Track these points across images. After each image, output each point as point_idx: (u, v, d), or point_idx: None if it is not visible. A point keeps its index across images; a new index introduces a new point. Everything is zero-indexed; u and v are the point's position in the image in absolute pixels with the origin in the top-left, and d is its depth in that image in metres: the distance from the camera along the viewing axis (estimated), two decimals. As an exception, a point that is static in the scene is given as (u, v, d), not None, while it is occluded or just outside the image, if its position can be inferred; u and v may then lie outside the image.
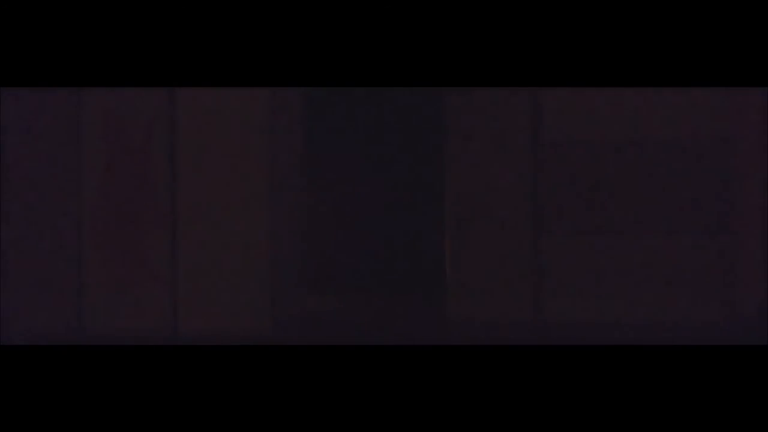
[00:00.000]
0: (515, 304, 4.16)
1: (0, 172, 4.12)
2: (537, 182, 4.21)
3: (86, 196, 4.23)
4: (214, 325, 4.21)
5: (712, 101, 4.09)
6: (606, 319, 4.08)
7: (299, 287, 4.66)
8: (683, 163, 4.13)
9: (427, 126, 5.39)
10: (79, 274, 4.28)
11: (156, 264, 4.29)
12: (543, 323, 4.15)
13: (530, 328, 4.09)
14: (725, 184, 4.10)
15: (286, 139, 4.51)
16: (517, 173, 4.24)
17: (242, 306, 4.26)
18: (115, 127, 4.23)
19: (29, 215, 4.24)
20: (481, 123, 4.22)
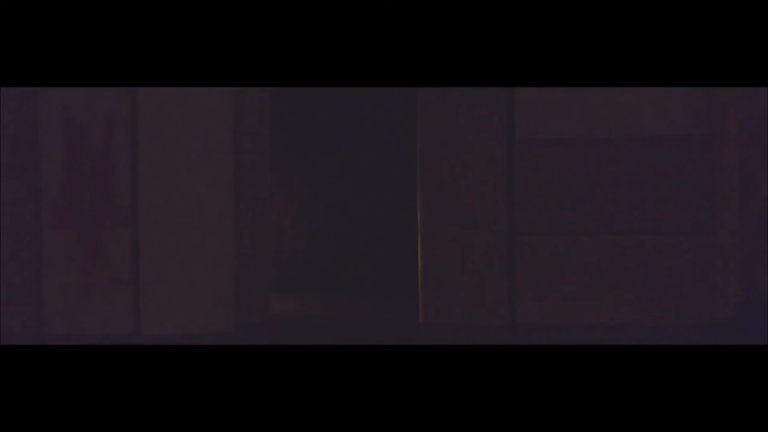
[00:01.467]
0: (489, 306, 4.03)
1: None
2: (513, 181, 4.09)
3: (45, 198, 4.11)
4: (178, 328, 4.08)
5: (690, 100, 3.98)
6: (582, 322, 3.99)
7: (264, 289, 4.48)
8: (661, 161, 4.03)
9: (399, 125, 5.38)
10: (39, 277, 4.16)
11: (117, 266, 4.15)
12: (517, 325, 4.05)
13: (504, 330, 3.98)
14: (702, 184, 3.98)
15: (251, 140, 4.34)
16: (492, 172, 4.12)
17: (206, 308, 4.12)
18: (74, 128, 4.11)
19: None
20: (453, 122, 4.08)
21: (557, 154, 4.03)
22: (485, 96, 4.03)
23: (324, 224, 5.47)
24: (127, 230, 4.12)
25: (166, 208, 4.09)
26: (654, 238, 4.01)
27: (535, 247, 4.06)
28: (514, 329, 3.93)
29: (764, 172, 3.74)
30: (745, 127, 3.89)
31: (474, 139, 4.06)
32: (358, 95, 5.42)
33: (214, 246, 4.13)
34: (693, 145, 4.00)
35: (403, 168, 5.41)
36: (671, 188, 4.01)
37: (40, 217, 4.13)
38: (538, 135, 4.06)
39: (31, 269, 4.14)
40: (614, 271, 3.98)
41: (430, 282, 4.06)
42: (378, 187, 5.45)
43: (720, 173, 3.94)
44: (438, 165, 4.06)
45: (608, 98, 4.00)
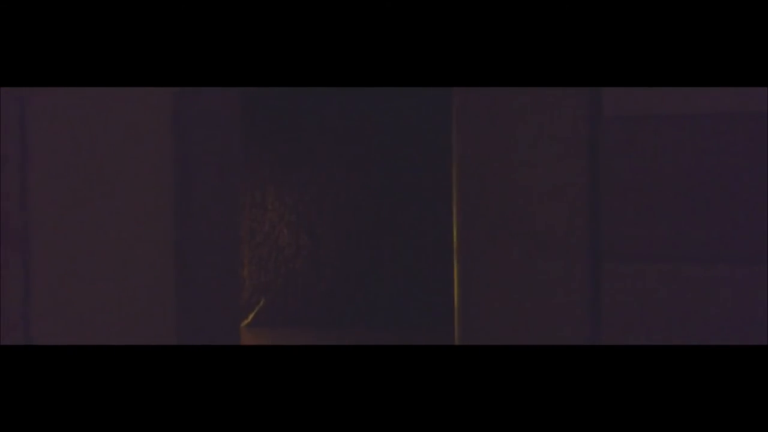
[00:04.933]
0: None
1: None
2: (597, 183, 3.03)
3: None
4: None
5: None
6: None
7: (232, 324, 3.59)
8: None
9: (426, 118, 4.74)
10: None
11: (3, 298, 3.31)
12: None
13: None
14: None
15: (213, 145, 3.51)
16: (566, 170, 3.09)
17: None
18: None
19: None
20: (503, 107, 3.19)
21: (661, 140, 3.03)
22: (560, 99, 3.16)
23: (328, 243, 4.75)
24: (16, 251, 3.28)
25: (69, 228, 3.27)
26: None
27: (624, 279, 3.03)
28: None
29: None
30: None
31: (539, 126, 3.10)
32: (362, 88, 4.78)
33: (144, 274, 3.15)
34: None
35: (432, 173, 4.67)
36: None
37: None
38: (632, 112, 3.02)
39: None
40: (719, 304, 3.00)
41: (469, 321, 3.20)
42: (398, 198, 4.73)
43: None
44: (481, 165, 3.19)
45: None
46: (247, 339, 4.29)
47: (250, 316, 4.61)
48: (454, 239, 3.20)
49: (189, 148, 3.27)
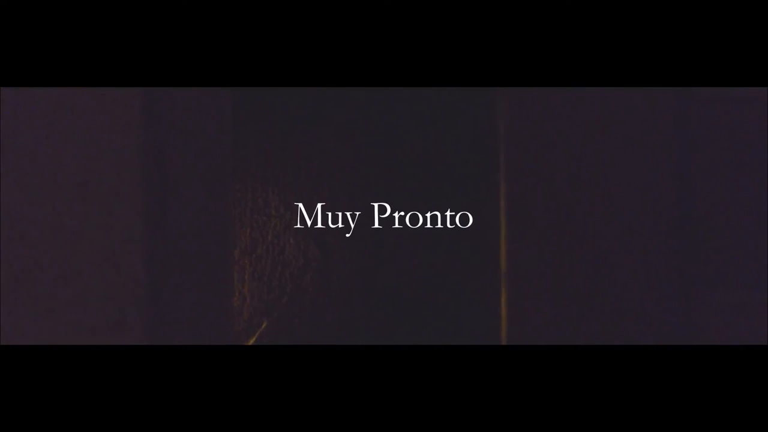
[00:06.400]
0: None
1: None
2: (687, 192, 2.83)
3: None
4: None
5: None
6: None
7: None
8: None
9: (469, 121, 4.42)
10: None
11: None
12: None
13: None
14: None
15: (198, 145, 3.27)
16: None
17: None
18: None
19: None
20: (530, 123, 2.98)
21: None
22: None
23: (341, 256, 4.42)
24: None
25: (36, 238, 2.93)
26: None
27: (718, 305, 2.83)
28: None
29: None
30: None
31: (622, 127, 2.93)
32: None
33: (113, 286, 2.77)
34: None
35: (472, 172, 4.30)
36: None
37: None
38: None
39: None
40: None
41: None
42: (426, 203, 4.38)
43: None
44: (529, 174, 2.98)
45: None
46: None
47: (252, 340, 4.23)
48: (502, 255, 2.73)
49: (165, 147, 2.95)
